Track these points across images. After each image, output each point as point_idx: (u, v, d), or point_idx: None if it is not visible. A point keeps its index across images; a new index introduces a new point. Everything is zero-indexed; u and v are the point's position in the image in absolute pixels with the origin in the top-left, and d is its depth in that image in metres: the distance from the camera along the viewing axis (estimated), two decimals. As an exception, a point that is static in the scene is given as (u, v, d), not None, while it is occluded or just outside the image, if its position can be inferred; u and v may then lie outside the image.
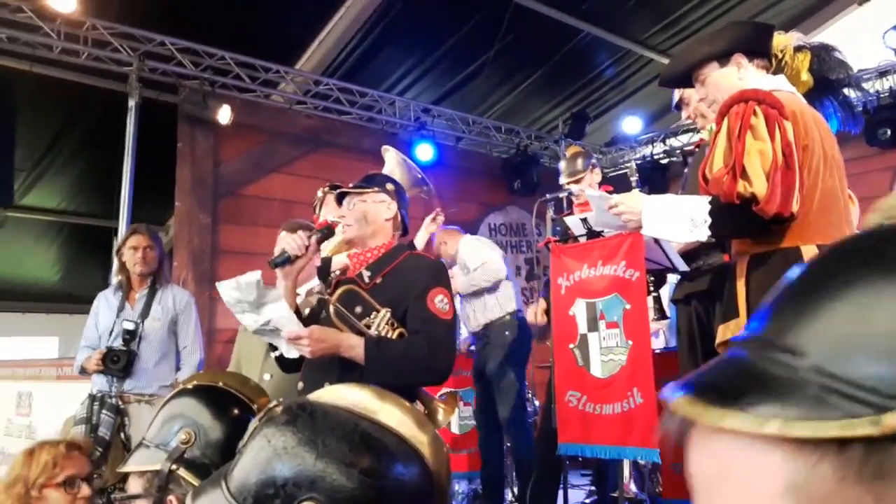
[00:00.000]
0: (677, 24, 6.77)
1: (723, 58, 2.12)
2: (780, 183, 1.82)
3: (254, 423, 0.81)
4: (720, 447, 0.38)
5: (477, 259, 4.39)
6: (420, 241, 4.04)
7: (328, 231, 2.32)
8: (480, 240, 4.70)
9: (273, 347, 2.26)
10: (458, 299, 4.33)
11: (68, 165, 6.96)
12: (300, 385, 2.23)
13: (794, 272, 0.42)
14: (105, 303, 3.67)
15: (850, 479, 0.34)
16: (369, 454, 0.75)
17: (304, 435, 0.76)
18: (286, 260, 2.17)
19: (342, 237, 2.39)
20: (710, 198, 1.93)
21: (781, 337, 0.38)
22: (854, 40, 6.78)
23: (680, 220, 1.98)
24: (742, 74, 2.10)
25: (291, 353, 2.17)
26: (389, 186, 2.33)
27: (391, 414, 0.80)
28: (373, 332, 2.11)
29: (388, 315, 2.13)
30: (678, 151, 7.36)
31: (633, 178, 3.87)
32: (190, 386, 1.40)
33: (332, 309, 2.15)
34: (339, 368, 2.13)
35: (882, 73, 6.31)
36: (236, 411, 1.35)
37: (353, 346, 2.08)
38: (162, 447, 1.30)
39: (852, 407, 0.34)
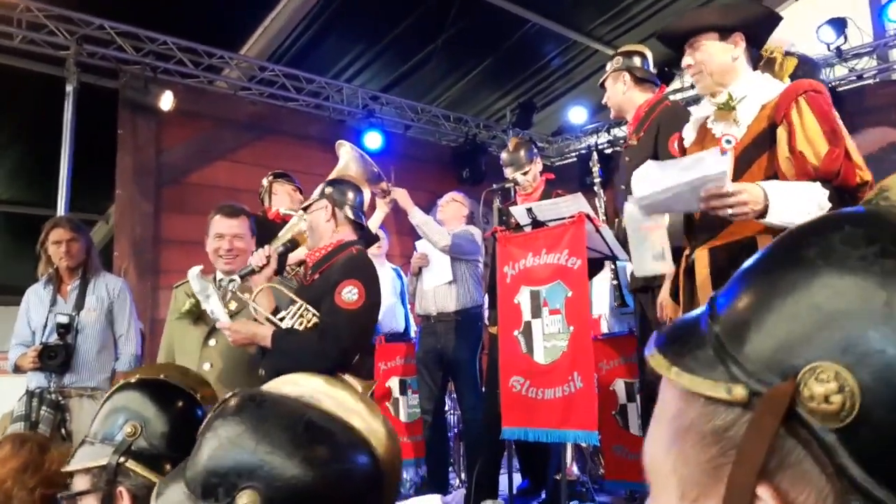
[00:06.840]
0: (622, 16, 6.88)
1: (725, 32, 2.08)
2: None
3: (210, 414, 0.82)
4: (664, 385, 0.46)
5: (458, 232, 4.35)
6: (374, 222, 3.93)
7: (291, 245, 2.78)
8: (475, 234, 4.56)
9: (207, 337, 2.68)
10: (446, 275, 4.33)
11: (2, 152, 6.69)
12: (261, 372, 2.49)
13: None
14: (36, 297, 3.52)
15: (704, 425, 0.41)
16: (313, 443, 0.76)
17: (248, 424, 0.76)
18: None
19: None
20: (819, 183, 1.88)
21: (718, 305, 0.44)
22: (789, 34, 7.01)
23: (807, 207, 1.85)
24: (736, 54, 2.08)
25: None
26: (327, 190, 2.68)
27: (341, 403, 0.80)
28: (286, 323, 2.46)
29: (303, 308, 2.47)
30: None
31: (595, 168, 3.94)
32: (132, 380, 1.40)
33: (251, 308, 2.52)
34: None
35: (815, 67, 6.54)
36: (180, 402, 1.36)
37: (265, 337, 2.45)
38: (107, 442, 1.29)
39: (725, 373, 0.40)
